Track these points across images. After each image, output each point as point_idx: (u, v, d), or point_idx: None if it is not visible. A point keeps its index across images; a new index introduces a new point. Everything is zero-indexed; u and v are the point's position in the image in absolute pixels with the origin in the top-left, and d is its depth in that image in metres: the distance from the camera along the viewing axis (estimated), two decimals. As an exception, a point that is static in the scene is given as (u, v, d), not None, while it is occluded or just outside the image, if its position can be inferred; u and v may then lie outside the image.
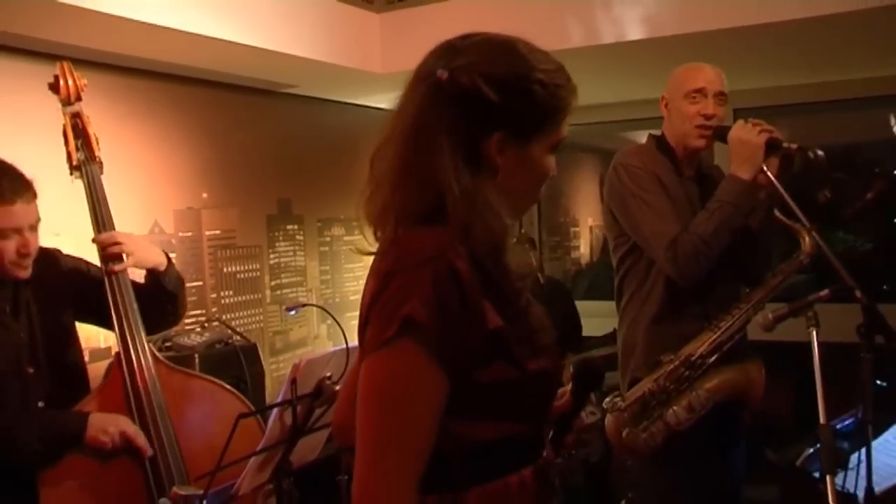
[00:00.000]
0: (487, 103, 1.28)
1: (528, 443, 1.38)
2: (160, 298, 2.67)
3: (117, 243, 2.55)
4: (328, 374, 2.16)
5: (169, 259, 2.71)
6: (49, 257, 2.58)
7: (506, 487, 1.31)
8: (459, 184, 1.26)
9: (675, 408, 2.46)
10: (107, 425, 2.36)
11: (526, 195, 1.40)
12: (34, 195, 2.36)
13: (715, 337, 2.49)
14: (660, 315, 2.60)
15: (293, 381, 2.11)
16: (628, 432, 2.46)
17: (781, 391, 2.68)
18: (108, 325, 2.64)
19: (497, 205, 1.30)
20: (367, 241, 1.36)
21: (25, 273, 2.39)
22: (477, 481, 1.29)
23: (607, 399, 2.54)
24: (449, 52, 1.32)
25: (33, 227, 2.37)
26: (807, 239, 2.51)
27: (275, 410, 2.18)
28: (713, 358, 2.49)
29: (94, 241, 2.58)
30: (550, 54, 1.36)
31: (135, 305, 2.56)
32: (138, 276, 2.66)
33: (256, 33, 3.34)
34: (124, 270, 2.56)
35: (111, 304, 2.53)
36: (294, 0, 3.55)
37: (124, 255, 2.58)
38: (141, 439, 2.40)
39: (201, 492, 2.09)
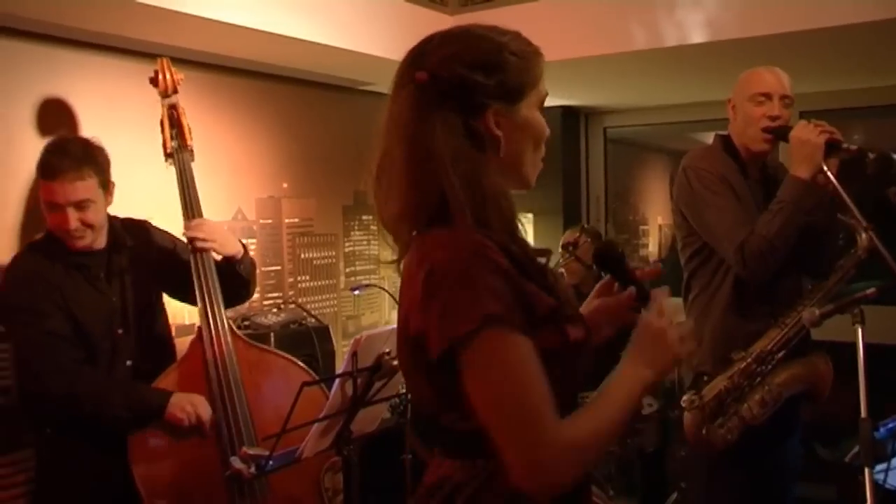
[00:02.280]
0: (474, 85, 1.36)
1: (566, 408, 1.43)
2: (234, 281, 2.86)
3: (202, 239, 2.75)
4: (387, 350, 2.26)
5: (245, 249, 2.89)
6: (142, 229, 2.79)
7: None
8: (461, 176, 1.33)
9: (748, 403, 2.52)
10: (185, 404, 2.55)
11: (529, 158, 1.45)
12: (89, 173, 2.51)
13: (783, 333, 2.53)
14: (727, 312, 2.65)
15: (353, 355, 2.24)
16: (708, 429, 2.52)
17: (839, 392, 2.72)
18: (190, 300, 2.84)
19: (502, 184, 1.39)
20: (389, 244, 1.46)
21: (83, 243, 2.55)
22: None
23: (685, 397, 2.58)
24: (418, 56, 1.41)
25: (80, 205, 2.50)
26: (863, 234, 2.51)
27: (337, 381, 2.31)
28: (781, 353, 2.54)
29: (184, 233, 2.78)
30: (500, 26, 1.44)
31: (217, 285, 2.75)
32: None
33: (337, 34, 3.47)
34: (207, 250, 2.76)
35: (195, 281, 2.73)
36: (372, 3, 3.67)
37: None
38: (206, 425, 2.59)
39: (267, 452, 2.26)
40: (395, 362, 2.25)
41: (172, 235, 2.90)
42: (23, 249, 2.61)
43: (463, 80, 1.37)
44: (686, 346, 1.44)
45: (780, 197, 2.52)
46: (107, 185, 2.59)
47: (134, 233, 2.75)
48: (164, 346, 2.85)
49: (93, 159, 2.54)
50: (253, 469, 2.24)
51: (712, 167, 2.67)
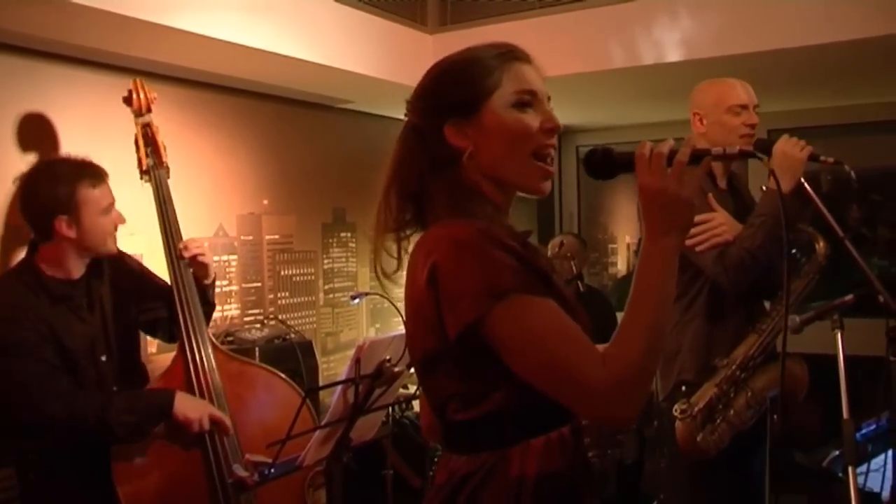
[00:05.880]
0: (425, 110, 1.50)
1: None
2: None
3: (203, 252, 2.81)
4: (387, 357, 2.29)
5: (214, 276, 2.94)
6: (117, 259, 2.76)
7: (547, 442, 1.44)
8: (439, 190, 1.46)
9: (735, 409, 2.60)
10: (194, 407, 2.53)
11: (512, 161, 1.47)
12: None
13: (762, 339, 2.63)
14: (705, 320, 2.72)
15: (357, 361, 2.25)
16: (702, 437, 2.59)
17: (810, 403, 2.81)
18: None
19: (479, 184, 1.47)
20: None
21: (116, 245, 2.63)
22: (522, 438, 1.43)
23: (676, 406, 2.64)
24: None
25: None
26: (821, 243, 2.63)
27: (339, 388, 2.32)
28: (759, 359, 2.63)
29: (181, 250, 2.80)
30: (473, 48, 1.52)
31: (196, 297, 2.76)
32: None
33: (317, 50, 3.50)
34: (208, 264, 2.81)
35: (176, 292, 2.75)
36: (353, 20, 3.72)
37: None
38: (227, 420, 2.59)
39: (270, 460, 2.27)
40: (396, 369, 2.29)
41: (144, 267, 2.91)
42: (1, 280, 2.58)
43: (417, 111, 1.52)
44: (690, 182, 1.35)
45: (760, 210, 2.61)
46: None
47: (110, 262, 2.72)
48: (141, 369, 2.84)
49: None
50: (256, 476, 2.24)
51: None
